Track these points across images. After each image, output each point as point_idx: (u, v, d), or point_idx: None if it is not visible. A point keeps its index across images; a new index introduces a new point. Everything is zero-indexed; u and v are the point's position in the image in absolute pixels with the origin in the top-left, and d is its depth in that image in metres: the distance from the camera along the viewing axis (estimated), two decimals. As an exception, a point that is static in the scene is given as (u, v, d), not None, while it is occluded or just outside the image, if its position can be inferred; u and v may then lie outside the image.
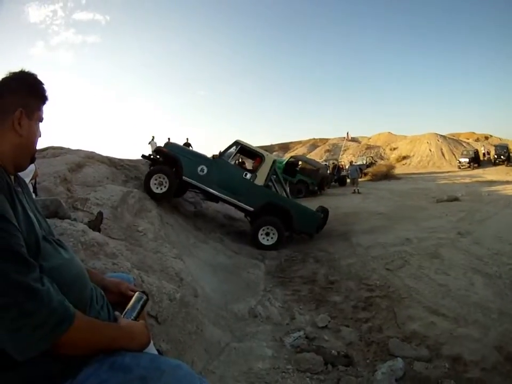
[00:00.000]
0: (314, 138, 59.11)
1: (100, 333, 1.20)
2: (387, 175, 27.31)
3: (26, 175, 3.83)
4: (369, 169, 30.04)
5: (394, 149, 44.46)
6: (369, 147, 47.32)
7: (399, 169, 32.45)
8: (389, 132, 50.99)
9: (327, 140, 56.46)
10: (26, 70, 1.31)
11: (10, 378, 1.07)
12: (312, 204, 15.25)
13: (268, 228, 8.29)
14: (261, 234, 8.29)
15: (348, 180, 23.11)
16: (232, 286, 5.60)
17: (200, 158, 8.68)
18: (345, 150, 43.54)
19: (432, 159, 39.17)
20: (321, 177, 20.00)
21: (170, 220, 7.56)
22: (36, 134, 1.35)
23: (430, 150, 39.99)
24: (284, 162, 21.45)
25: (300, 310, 4.80)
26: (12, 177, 1.27)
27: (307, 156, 36.01)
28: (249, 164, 14.28)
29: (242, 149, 9.10)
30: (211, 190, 8.41)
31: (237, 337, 3.99)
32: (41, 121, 1.38)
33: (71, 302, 1.16)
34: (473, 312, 4.14)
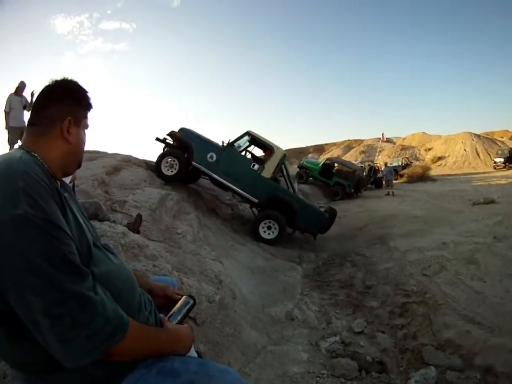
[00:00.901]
0: (349, 140, 58.40)
1: (151, 339, 1.20)
2: (423, 177, 26.71)
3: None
4: (405, 171, 29.45)
5: (429, 149, 43.42)
6: (404, 148, 46.38)
7: (434, 171, 31.65)
8: (423, 132, 49.73)
9: (362, 141, 55.71)
10: (69, 78, 1.33)
11: (53, 381, 1.08)
12: (349, 206, 15.17)
13: (269, 222, 8.27)
14: (262, 228, 8.28)
15: (384, 182, 22.71)
16: (269, 289, 5.61)
17: (211, 145, 8.77)
18: (380, 151, 42.68)
19: (467, 159, 38.09)
20: (358, 179, 19.66)
21: (209, 222, 7.59)
22: (83, 141, 1.38)
23: (465, 150, 38.90)
24: (320, 165, 21.28)
25: (336, 315, 4.78)
26: (59, 182, 1.29)
27: (342, 158, 35.59)
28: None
29: (253, 139, 9.21)
30: (218, 177, 8.51)
31: (273, 340, 4.01)
32: (87, 128, 1.41)
33: (122, 309, 1.16)
34: (508, 322, 4.01)
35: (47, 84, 1.29)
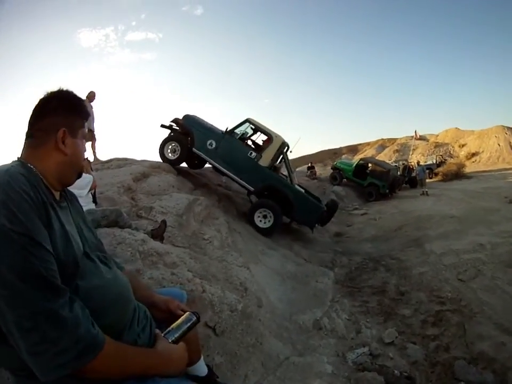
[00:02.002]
0: (382, 139, 57.70)
1: (131, 359, 1.18)
2: (458, 174, 25.98)
3: (84, 187, 3.92)
4: (440, 169, 28.80)
5: (463, 145, 41.93)
6: (437, 145, 45.09)
7: (469, 167, 30.57)
8: (456, 128, 48.10)
9: (395, 139, 54.88)
10: (64, 89, 1.34)
11: None
12: (383, 207, 14.95)
13: (265, 211, 8.23)
14: (258, 216, 8.24)
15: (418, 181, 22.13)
16: (299, 296, 5.49)
17: (211, 132, 8.83)
18: (414, 149, 41.87)
19: (501, 154, 36.54)
20: (392, 179, 19.25)
21: (238, 227, 7.53)
22: (80, 151, 1.39)
23: (499, 145, 37.35)
24: (354, 165, 20.99)
25: (366, 323, 4.62)
26: (58, 192, 1.31)
27: (376, 158, 34.99)
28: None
29: (252, 127, 9.19)
30: (216, 164, 8.61)
31: (298, 351, 3.86)
32: (85, 137, 1.43)
33: (107, 324, 1.19)
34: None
35: (41, 96, 1.31)
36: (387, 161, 29.16)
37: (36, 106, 1.30)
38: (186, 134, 8.84)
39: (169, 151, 8.86)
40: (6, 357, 1.09)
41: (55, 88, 1.33)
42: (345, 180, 20.99)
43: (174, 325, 1.42)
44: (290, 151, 9.58)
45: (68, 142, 1.29)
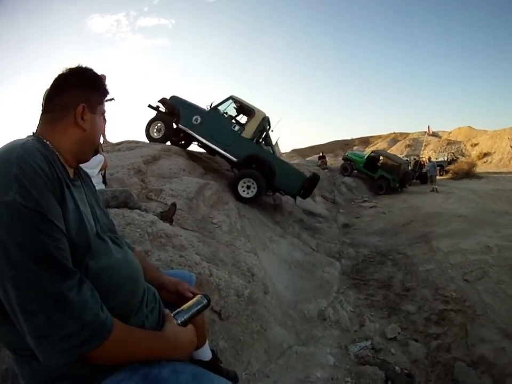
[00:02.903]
0: (394, 133, 57.40)
1: (139, 345, 1.14)
2: (468, 174, 25.63)
3: (94, 166, 3.91)
4: (451, 167, 28.29)
5: (475, 144, 41.28)
6: (449, 142, 44.57)
7: (480, 167, 30.12)
8: (469, 126, 47.40)
9: (407, 134, 54.55)
10: (83, 65, 1.31)
11: (35, 367, 1.05)
12: (393, 201, 14.93)
13: (248, 181, 8.38)
14: (241, 187, 8.37)
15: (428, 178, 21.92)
16: (305, 284, 5.52)
17: (196, 109, 9.13)
18: (426, 145, 41.48)
19: None
20: (403, 174, 19.13)
21: (248, 213, 7.54)
22: (98, 127, 1.35)
23: (511, 147, 37.02)
24: (365, 157, 20.85)
25: (370, 317, 4.64)
26: (72, 170, 1.28)
27: (388, 151, 34.72)
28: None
29: (236, 103, 9.52)
30: (201, 138, 8.92)
31: (301, 340, 3.89)
32: (103, 114, 1.39)
33: (116, 305, 1.15)
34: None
35: (60, 71, 1.27)
36: (398, 156, 28.99)
37: (54, 81, 1.26)
38: (173, 114, 9.27)
39: (155, 130, 9.37)
40: (8, 335, 1.06)
41: (74, 65, 1.30)
42: (355, 171, 20.88)
43: (184, 306, 1.40)
44: (272, 131, 9.91)
45: (86, 117, 1.26)
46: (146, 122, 9.43)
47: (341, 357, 3.63)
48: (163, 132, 9.30)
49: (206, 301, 1.46)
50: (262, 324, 3.55)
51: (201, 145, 9.47)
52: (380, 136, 58.42)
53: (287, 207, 10.25)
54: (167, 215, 4.57)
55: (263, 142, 9.81)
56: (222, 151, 8.77)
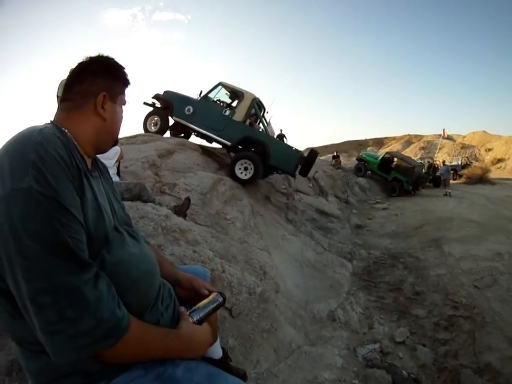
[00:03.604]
0: (409, 135, 56.79)
1: (154, 343, 1.09)
2: (482, 179, 25.26)
3: (111, 157, 3.92)
4: (464, 171, 28.02)
5: (489, 150, 40.65)
6: (464, 146, 43.90)
7: (493, 173, 29.68)
8: (484, 131, 46.60)
9: (421, 136, 53.88)
10: (105, 55, 1.27)
11: (43, 363, 1.01)
12: (406, 204, 14.85)
13: (245, 162, 8.50)
14: (239, 168, 8.50)
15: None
16: (316, 284, 5.53)
17: (188, 100, 9.42)
18: (440, 148, 40.94)
19: None
20: (417, 176, 18.93)
21: (261, 210, 7.56)
22: (119, 117, 1.33)
23: None
24: (380, 158, 20.65)
25: (380, 319, 4.66)
26: (90, 160, 1.25)
27: (402, 153, 34.46)
28: None
29: (226, 88, 9.76)
30: (195, 127, 9.19)
31: (310, 340, 3.91)
32: (124, 105, 1.36)
33: (132, 301, 1.11)
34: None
35: (80, 60, 1.23)
36: (412, 158, 28.76)
37: (74, 70, 1.23)
38: (167, 108, 9.55)
39: (152, 124, 9.77)
40: (17, 328, 1.01)
41: (94, 54, 1.26)
42: (369, 172, 20.74)
43: (200, 304, 1.35)
44: (267, 112, 10.21)
45: (107, 107, 1.23)
46: (144, 117, 9.82)
47: (349, 358, 3.65)
48: (159, 125, 9.69)
49: (221, 299, 1.42)
50: (272, 322, 3.55)
51: (198, 134, 9.64)
52: (394, 138, 57.91)
53: (300, 206, 10.23)
54: (181, 210, 4.57)
55: (260, 124, 10.04)
56: (216, 137, 9.00)
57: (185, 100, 9.41)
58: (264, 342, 3.28)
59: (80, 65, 1.23)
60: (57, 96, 8.78)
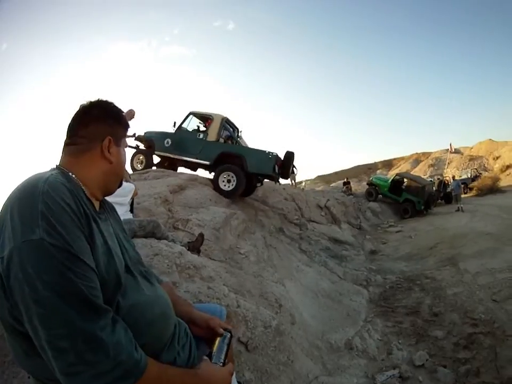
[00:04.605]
0: (417, 153, 56.51)
1: (173, 383, 1.10)
2: (492, 189, 24.95)
3: (126, 194, 4.00)
4: (475, 183, 27.72)
5: (497, 157, 39.90)
6: (472, 158, 43.28)
7: (503, 181, 29.36)
8: (490, 139, 45.87)
9: (429, 153, 53.52)
10: (104, 99, 1.33)
11: None
12: (419, 224, 14.84)
13: (228, 175, 9.00)
14: (222, 181, 8.98)
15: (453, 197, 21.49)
16: (332, 314, 5.49)
17: (165, 134, 10.26)
18: (449, 163, 40.60)
19: None
20: (428, 195, 18.90)
21: (275, 242, 7.59)
22: (123, 159, 1.38)
23: None
24: (390, 181, 20.67)
25: (398, 345, 4.60)
26: (97, 202, 1.28)
27: (411, 172, 34.21)
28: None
29: (196, 116, 10.56)
30: (175, 156, 10.02)
31: (328, 370, 3.88)
32: (126, 146, 1.42)
33: (148, 342, 1.13)
34: None
35: (82, 104, 1.29)
36: (422, 176, 28.58)
37: (77, 114, 1.28)
38: (150, 146, 10.30)
39: (138, 162, 10.30)
40: (34, 366, 1.03)
41: (94, 98, 1.31)
42: (380, 195, 20.75)
43: (214, 348, 1.33)
44: (241, 131, 11.19)
45: (112, 150, 1.28)
46: (130, 157, 10.32)
47: (367, 387, 3.61)
48: (144, 162, 10.19)
49: (229, 334, 1.43)
50: (288, 355, 3.52)
51: (181, 163, 10.36)
52: (402, 158, 57.66)
53: (314, 236, 10.24)
54: (194, 246, 4.58)
55: (235, 142, 10.62)
56: (195, 160, 9.69)
57: (163, 134, 10.23)
58: (281, 375, 3.25)
59: (83, 109, 1.28)
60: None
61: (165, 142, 10.03)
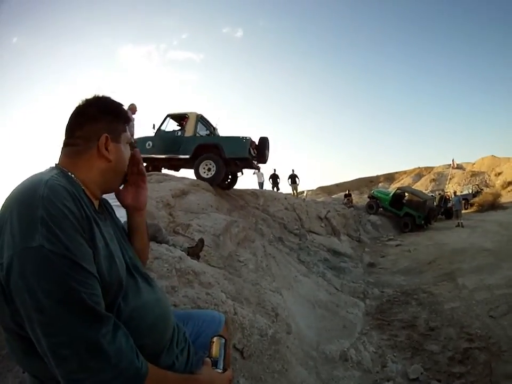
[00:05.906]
0: (419, 167, 56.39)
1: None
2: (493, 205, 25.02)
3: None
4: (476, 199, 27.70)
5: (499, 173, 39.79)
6: (474, 174, 43.12)
7: (505, 197, 29.39)
8: (492, 155, 45.69)
9: (431, 168, 53.46)
10: (100, 95, 1.29)
11: None
12: (418, 239, 14.85)
13: (209, 163, 9.65)
14: (203, 170, 9.62)
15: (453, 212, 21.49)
16: (328, 325, 5.47)
17: (146, 137, 10.79)
18: (451, 178, 40.72)
19: None
20: (428, 210, 18.94)
21: (274, 251, 7.58)
22: (125, 156, 1.33)
23: None
24: (391, 195, 20.68)
25: (393, 358, 4.59)
26: (97, 201, 1.26)
27: (412, 187, 34.19)
28: None
29: (174, 118, 11.10)
30: (158, 156, 10.49)
31: (322, 381, 3.87)
32: (128, 141, 1.36)
33: (148, 344, 1.13)
34: None
35: (78, 103, 1.26)
36: (424, 191, 28.59)
37: (73, 114, 1.24)
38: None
39: None
40: (30, 364, 1.04)
41: (90, 95, 1.27)
42: (381, 209, 20.73)
43: (214, 353, 1.31)
44: (217, 124, 11.92)
45: (111, 148, 1.23)
46: None
47: (360, 398, 3.60)
48: None
49: (223, 339, 1.39)
50: (283, 364, 3.52)
51: (163, 164, 10.86)
52: (404, 172, 57.56)
53: (313, 246, 10.28)
54: (194, 251, 4.58)
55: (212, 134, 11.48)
56: (176, 156, 10.29)
57: (144, 138, 10.74)
58: (275, 383, 3.25)
59: (79, 108, 1.25)
60: None
61: (146, 144, 10.49)
